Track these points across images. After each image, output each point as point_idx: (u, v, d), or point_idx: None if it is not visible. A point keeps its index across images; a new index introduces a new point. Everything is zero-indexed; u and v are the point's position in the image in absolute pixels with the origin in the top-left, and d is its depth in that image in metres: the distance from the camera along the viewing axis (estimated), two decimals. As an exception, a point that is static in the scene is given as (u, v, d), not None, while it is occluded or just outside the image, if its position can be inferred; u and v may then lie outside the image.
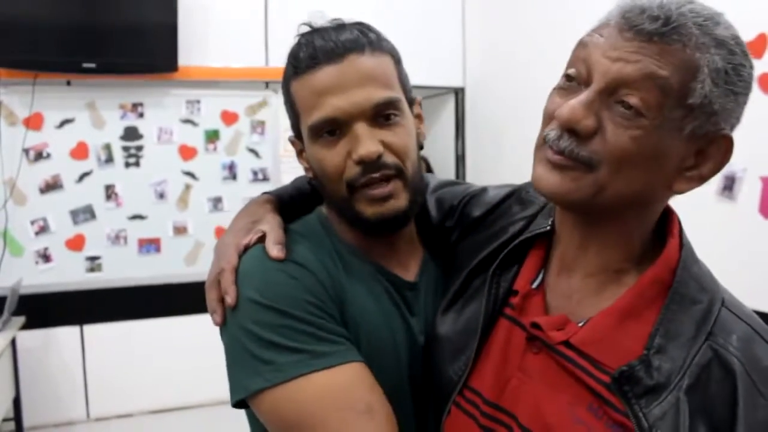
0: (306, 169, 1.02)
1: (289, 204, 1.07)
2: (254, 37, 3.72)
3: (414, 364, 0.98)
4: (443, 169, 4.43)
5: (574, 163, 0.73)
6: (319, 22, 0.97)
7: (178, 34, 3.49)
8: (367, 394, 0.86)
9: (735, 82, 0.71)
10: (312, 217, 1.04)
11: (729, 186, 2.47)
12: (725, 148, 0.74)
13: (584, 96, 0.72)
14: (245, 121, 3.80)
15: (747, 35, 2.39)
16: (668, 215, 0.82)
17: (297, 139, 1.01)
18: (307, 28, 0.97)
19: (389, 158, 0.92)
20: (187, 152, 3.73)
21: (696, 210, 2.52)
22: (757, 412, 0.68)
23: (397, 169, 0.93)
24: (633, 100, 0.70)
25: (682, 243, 0.79)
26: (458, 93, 4.37)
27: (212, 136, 3.77)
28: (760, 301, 2.17)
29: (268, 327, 0.86)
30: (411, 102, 0.99)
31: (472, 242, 1.02)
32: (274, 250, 0.91)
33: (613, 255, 0.80)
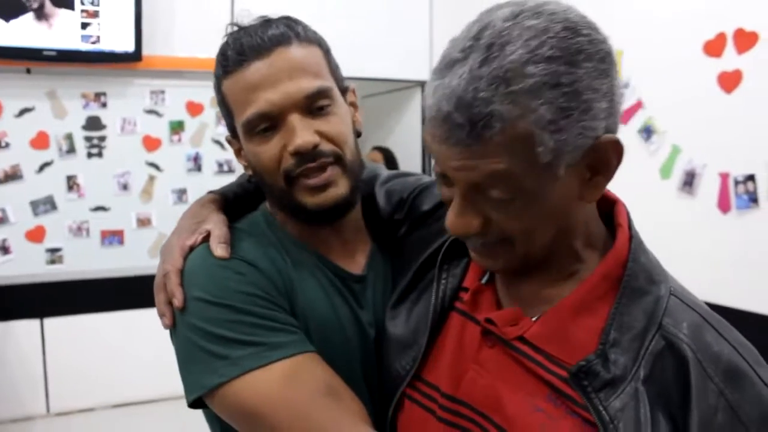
0: (245, 167, 1.02)
1: (234, 202, 1.07)
2: (220, 27, 3.64)
3: (367, 357, 0.98)
4: (410, 162, 4.44)
5: (494, 247, 0.77)
6: (246, 20, 0.97)
7: (142, 23, 3.44)
8: (329, 378, 0.87)
9: (576, 106, 0.66)
10: (257, 214, 1.04)
11: (689, 182, 2.53)
12: (611, 149, 0.71)
13: (457, 206, 0.74)
14: (210, 112, 3.76)
15: (706, 34, 2.45)
16: (614, 205, 0.83)
17: (233, 138, 1.00)
18: (234, 28, 0.97)
19: (326, 146, 0.92)
20: (151, 143, 3.68)
21: (656, 205, 2.57)
22: (708, 397, 0.69)
23: (336, 156, 0.93)
24: (494, 194, 0.70)
25: (632, 234, 0.80)
26: (424, 86, 4.36)
27: (177, 127, 3.72)
28: (718, 294, 2.23)
29: (219, 323, 0.86)
30: (344, 91, 0.99)
31: (420, 236, 1.02)
32: (219, 249, 0.91)
33: (558, 264, 0.81)
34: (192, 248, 0.94)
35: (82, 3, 3.34)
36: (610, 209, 0.83)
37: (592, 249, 0.81)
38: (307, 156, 0.90)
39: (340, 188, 0.94)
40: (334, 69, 0.98)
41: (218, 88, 0.97)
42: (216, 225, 0.95)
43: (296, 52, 0.91)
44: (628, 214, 0.83)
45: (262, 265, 0.92)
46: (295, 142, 0.90)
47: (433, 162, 0.76)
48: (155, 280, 0.94)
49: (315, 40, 0.96)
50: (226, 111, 0.97)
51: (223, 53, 0.94)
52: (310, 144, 0.90)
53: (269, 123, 0.91)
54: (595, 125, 0.68)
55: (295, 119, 0.90)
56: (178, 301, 0.88)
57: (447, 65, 0.69)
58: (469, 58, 0.66)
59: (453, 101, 0.66)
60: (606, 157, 0.71)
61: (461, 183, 0.71)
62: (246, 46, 0.91)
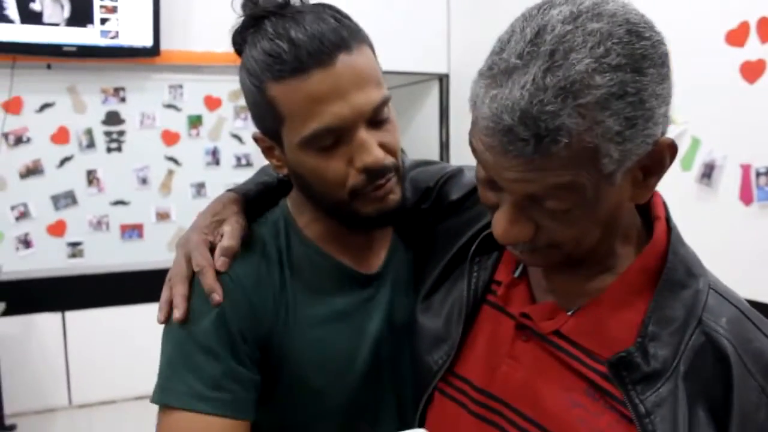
0: (277, 167, 0.96)
1: (255, 200, 1.04)
2: (234, 23, 3.66)
3: (383, 354, 0.97)
4: (427, 156, 4.42)
5: (541, 251, 0.75)
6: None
7: (160, 18, 3.46)
8: None
9: (640, 115, 0.64)
10: (277, 215, 1.00)
11: (708, 174, 2.50)
12: (667, 151, 0.69)
13: (508, 214, 0.71)
14: (228, 107, 3.77)
15: (729, 23, 2.41)
16: (652, 197, 0.80)
17: (267, 136, 0.94)
18: (244, 1, 0.91)
19: (389, 160, 0.89)
20: (169, 137, 3.70)
21: (676, 198, 2.54)
22: (750, 394, 0.68)
23: (395, 167, 0.91)
24: (551, 205, 0.67)
25: (670, 226, 0.78)
26: (442, 79, 4.36)
27: (195, 122, 3.74)
28: (740, 287, 2.20)
29: (186, 347, 0.89)
30: None
31: (450, 226, 1.00)
32: (219, 261, 0.90)
33: (595, 259, 0.79)
34: (213, 245, 0.92)
35: (101, -2, 3.36)
36: (646, 201, 0.82)
37: (628, 242, 0.79)
38: (377, 172, 0.87)
39: (396, 195, 0.92)
40: (379, 65, 0.93)
41: (259, 89, 0.87)
42: (230, 233, 0.93)
43: (358, 59, 0.85)
44: (665, 206, 0.81)
45: (251, 293, 0.91)
46: (366, 161, 0.86)
47: (476, 167, 0.73)
48: (174, 272, 0.92)
49: (364, 38, 0.90)
50: (272, 116, 0.88)
51: (269, 51, 0.85)
52: (382, 162, 0.86)
53: (335, 138, 0.86)
54: (655, 131, 0.66)
55: (363, 134, 0.86)
56: (218, 296, 0.87)
57: (504, 72, 0.64)
58: (531, 66, 0.62)
59: (517, 114, 0.62)
60: (661, 158, 0.69)
61: (516, 194, 0.69)
62: (302, 48, 0.82)
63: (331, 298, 0.96)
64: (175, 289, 0.91)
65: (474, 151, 0.71)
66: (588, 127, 0.61)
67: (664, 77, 0.66)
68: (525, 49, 0.63)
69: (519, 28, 0.66)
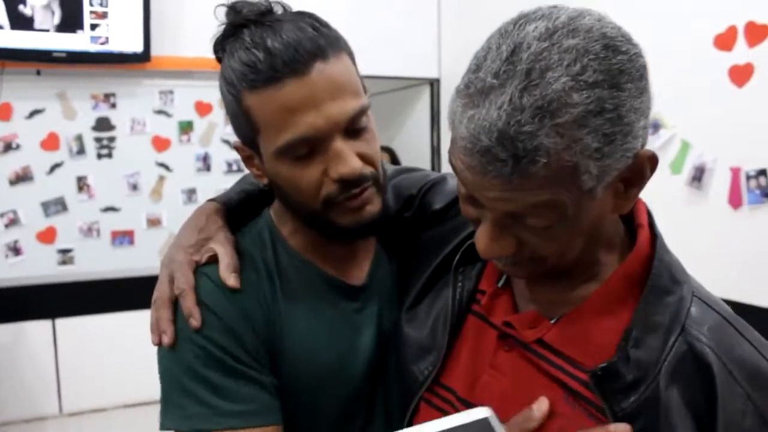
0: (257, 176, 0.95)
1: (237, 210, 1.03)
2: (215, 31, 3.64)
3: (373, 367, 0.97)
4: (418, 161, 4.43)
5: (525, 263, 0.75)
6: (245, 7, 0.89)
7: (150, 24, 3.45)
8: None
9: (619, 130, 0.63)
10: (261, 225, 0.99)
11: (699, 177, 2.51)
12: (647, 163, 0.70)
13: (489, 230, 0.71)
14: (219, 112, 3.76)
15: (717, 28, 2.42)
16: (635, 204, 0.81)
17: (246, 146, 0.92)
18: (227, 10, 0.89)
19: (366, 170, 0.88)
20: (160, 143, 3.69)
21: (666, 201, 2.55)
22: (736, 401, 0.68)
23: (374, 177, 0.89)
24: (532, 222, 0.68)
25: (654, 233, 0.78)
26: (433, 84, 4.37)
27: (186, 127, 3.73)
28: (729, 291, 2.21)
29: (195, 367, 0.86)
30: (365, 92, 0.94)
31: (434, 236, 1.00)
32: (231, 279, 0.88)
33: (579, 268, 0.79)
34: (198, 265, 0.91)
35: (91, 4, 3.35)
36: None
37: (611, 250, 0.79)
38: (352, 182, 0.86)
39: (375, 206, 0.91)
40: (359, 74, 0.92)
41: (236, 98, 0.86)
42: (225, 249, 0.91)
43: (334, 68, 0.84)
44: (649, 213, 0.81)
45: (247, 304, 0.90)
46: (342, 171, 0.84)
47: (458, 183, 0.73)
48: (158, 295, 0.91)
49: (343, 46, 0.88)
50: (248, 125, 0.87)
51: (244, 60, 0.83)
52: (358, 172, 0.85)
53: (309, 148, 0.85)
54: (635, 144, 0.66)
55: (339, 144, 0.84)
56: (196, 321, 0.86)
57: (480, 91, 0.64)
58: (507, 86, 0.62)
59: (494, 135, 0.61)
60: (642, 170, 0.69)
61: (496, 212, 0.69)
62: (277, 58, 0.81)
63: (320, 309, 0.95)
64: (159, 314, 0.90)
65: (454, 168, 0.70)
66: (566, 145, 0.61)
67: (642, 90, 0.66)
68: (501, 68, 0.63)
69: (495, 45, 0.65)
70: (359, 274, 1.00)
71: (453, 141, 0.69)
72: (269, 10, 0.88)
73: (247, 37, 0.84)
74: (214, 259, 0.91)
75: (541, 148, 0.61)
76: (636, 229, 0.79)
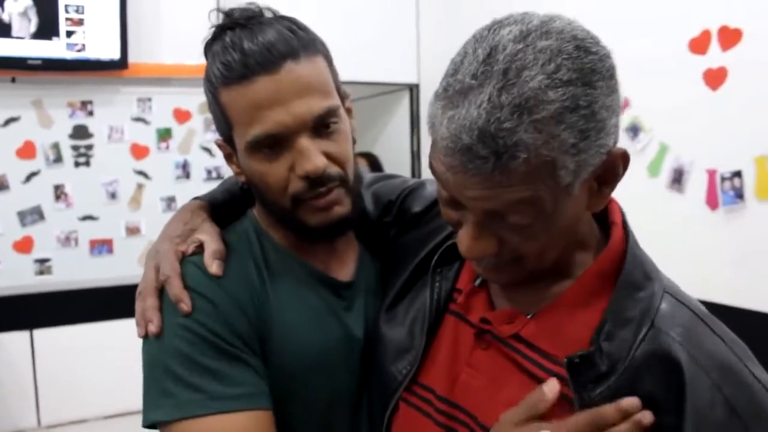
0: (237, 173, 0.98)
1: (221, 208, 1.05)
2: (206, 34, 3.64)
3: (359, 367, 0.98)
4: (398, 166, 4.44)
5: (505, 265, 0.77)
6: (231, 5, 0.91)
7: (127, 30, 3.42)
8: None
9: (593, 127, 0.66)
10: (246, 223, 1.01)
11: (678, 179, 2.54)
12: (620, 160, 0.73)
13: (471, 230, 0.73)
14: (198, 119, 3.74)
15: (691, 32, 2.46)
16: (608, 203, 0.83)
17: (225, 143, 0.97)
18: (220, 17, 0.92)
19: (333, 169, 0.90)
20: (138, 151, 3.66)
21: (645, 204, 2.58)
22: (704, 393, 0.69)
23: (341, 178, 0.91)
24: (513, 219, 0.70)
25: (626, 231, 0.80)
26: (413, 89, 4.38)
27: (164, 135, 3.70)
28: (708, 292, 2.24)
29: (183, 355, 0.85)
30: (343, 98, 0.97)
31: (412, 239, 1.02)
32: (214, 265, 0.89)
33: (555, 267, 0.81)
34: (184, 255, 0.92)
35: (67, 11, 3.32)
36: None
37: (586, 248, 0.82)
38: (317, 180, 0.88)
39: (344, 207, 0.93)
40: (336, 78, 0.95)
41: (214, 96, 0.92)
42: (211, 237, 0.93)
43: (304, 68, 0.87)
44: (622, 212, 0.84)
45: (237, 292, 0.90)
46: (305, 167, 0.87)
47: (438, 186, 0.75)
48: (143, 286, 0.91)
49: (320, 49, 0.92)
50: (223, 120, 0.93)
51: (221, 59, 0.88)
52: (321, 169, 0.88)
53: (275, 143, 0.88)
54: (607, 141, 0.69)
55: (304, 141, 0.87)
56: (186, 306, 0.86)
57: (459, 92, 0.66)
58: (486, 85, 0.64)
59: (475, 133, 0.63)
60: (614, 167, 0.72)
61: (477, 212, 0.70)
62: (250, 56, 0.85)
63: (309, 301, 0.97)
64: (145, 303, 0.89)
65: (434, 172, 0.72)
66: (545, 141, 0.64)
67: (613, 89, 0.69)
68: (479, 69, 0.65)
69: (471, 49, 0.68)
70: (346, 271, 1.02)
71: (433, 144, 0.71)
72: (258, 14, 0.91)
73: (228, 38, 0.89)
74: (200, 250, 0.92)
75: (520, 144, 0.63)
76: (610, 228, 0.82)
